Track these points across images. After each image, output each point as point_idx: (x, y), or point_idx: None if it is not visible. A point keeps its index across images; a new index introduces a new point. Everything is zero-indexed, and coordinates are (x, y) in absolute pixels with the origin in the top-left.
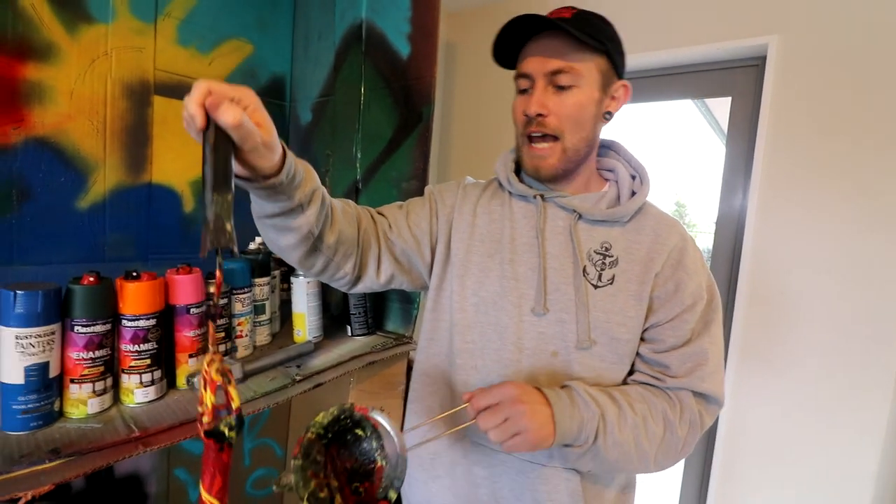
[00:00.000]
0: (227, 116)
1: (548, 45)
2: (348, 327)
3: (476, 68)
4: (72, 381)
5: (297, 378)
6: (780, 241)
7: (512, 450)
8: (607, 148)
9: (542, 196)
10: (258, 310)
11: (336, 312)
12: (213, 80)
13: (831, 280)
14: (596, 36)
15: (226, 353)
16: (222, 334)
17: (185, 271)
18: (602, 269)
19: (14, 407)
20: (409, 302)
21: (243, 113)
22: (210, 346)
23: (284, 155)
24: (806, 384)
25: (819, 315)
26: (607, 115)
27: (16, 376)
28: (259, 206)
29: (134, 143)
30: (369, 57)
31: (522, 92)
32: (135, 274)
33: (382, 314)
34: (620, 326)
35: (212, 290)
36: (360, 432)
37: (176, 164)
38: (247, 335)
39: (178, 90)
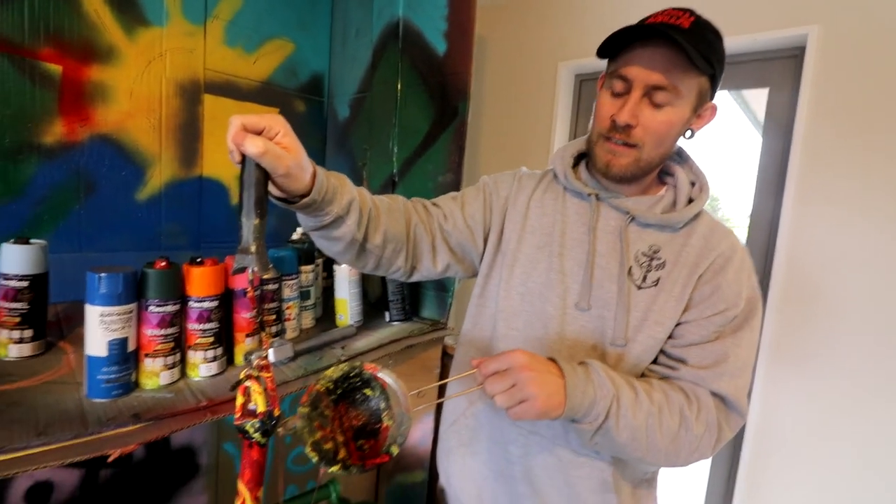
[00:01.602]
0: (251, 148)
1: (656, 56)
2: (386, 313)
3: (506, 63)
4: (146, 355)
5: (343, 358)
6: (816, 237)
7: (518, 416)
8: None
9: (597, 195)
10: (304, 295)
11: (373, 300)
12: (244, 115)
13: (869, 278)
14: (708, 56)
15: (276, 335)
16: (268, 334)
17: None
18: (647, 271)
19: (98, 377)
20: (443, 290)
21: (266, 142)
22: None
23: (315, 176)
24: (839, 385)
25: (855, 314)
26: (688, 133)
27: (100, 349)
28: (303, 221)
29: (186, 139)
30: (406, 54)
31: (615, 94)
32: (199, 260)
33: (418, 301)
34: (657, 326)
35: (267, 276)
36: (368, 392)
37: (224, 158)
38: (294, 318)
39: (226, 89)
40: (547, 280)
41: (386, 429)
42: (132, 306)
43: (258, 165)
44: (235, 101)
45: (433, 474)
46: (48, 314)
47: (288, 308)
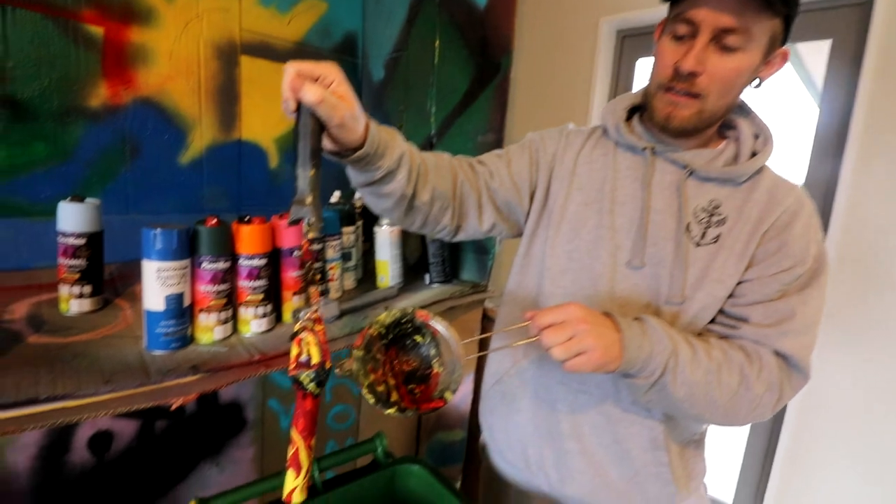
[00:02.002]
0: (309, 96)
1: None
2: (426, 276)
3: (544, 18)
4: (200, 310)
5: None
6: (877, 203)
7: (574, 369)
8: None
9: (652, 149)
10: (345, 257)
11: (412, 262)
12: (300, 62)
13: None
14: None
15: (321, 294)
16: (318, 289)
17: (286, 216)
18: (707, 228)
19: (157, 331)
20: (483, 252)
21: (324, 90)
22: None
23: (368, 128)
24: (893, 354)
25: None
26: (756, 82)
27: (158, 304)
28: (353, 176)
29: (225, 102)
30: (444, 8)
31: (677, 38)
32: (247, 218)
33: (458, 264)
34: (717, 284)
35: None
36: (419, 338)
37: (262, 122)
38: (337, 279)
39: (262, 50)
40: (596, 237)
41: (436, 375)
42: (186, 262)
43: (313, 115)
44: (271, 62)
45: (472, 433)
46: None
47: (331, 269)
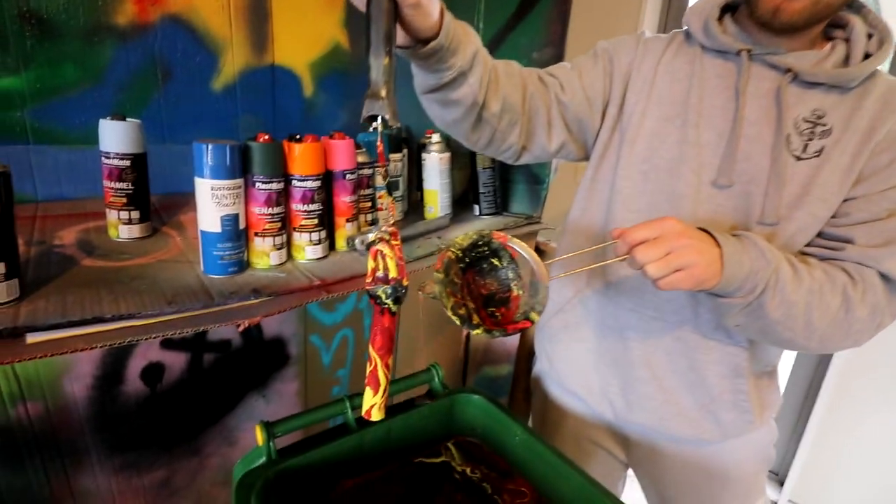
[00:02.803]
0: None
1: None
2: (476, 207)
3: None
4: (256, 234)
5: (442, 247)
6: None
7: (670, 287)
8: None
9: (748, 52)
10: (392, 186)
11: (457, 195)
12: None
13: None
14: None
15: (370, 224)
16: (384, 200)
17: (340, 137)
18: (809, 140)
19: (214, 253)
20: (537, 182)
21: None
22: (382, 215)
23: (443, 16)
24: None
25: None
26: None
27: (214, 225)
28: (422, 79)
29: (255, 20)
30: None
31: None
32: (298, 137)
33: (509, 195)
34: (820, 203)
35: (361, 159)
36: (496, 262)
37: (295, 44)
38: (386, 208)
39: None
40: (678, 154)
41: (516, 298)
42: (240, 181)
43: None
44: None
45: (519, 367)
46: None
47: (380, 197)
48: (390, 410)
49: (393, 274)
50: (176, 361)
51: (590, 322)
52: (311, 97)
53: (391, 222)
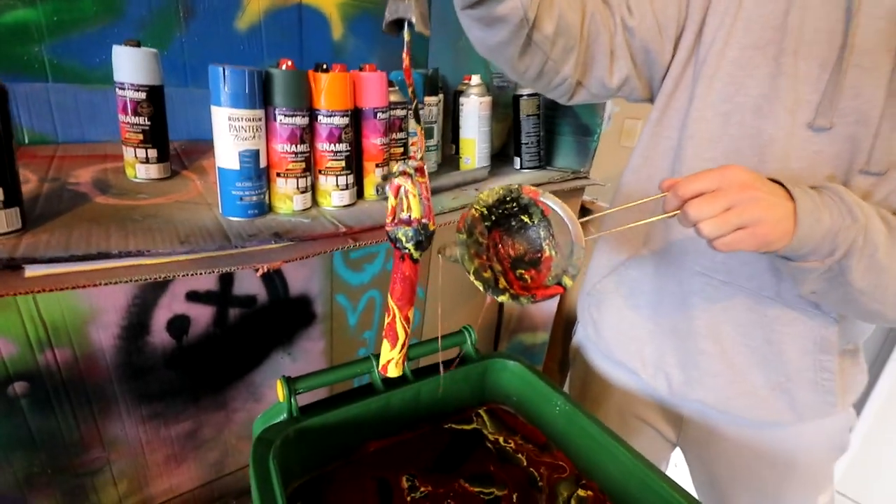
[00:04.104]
0: None
1: None
2: (517, 159)
3: None
4: (278, 174)
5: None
6: None
7: (728, 248)
8: None
9: None
10: (427, 133)
11: (496, 149)
12: None
13: None
14: None
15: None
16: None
17: (371, 69)
18: None
19: (233, 193)
20: (585, 134)
21: None
22: (412, 147)
23: None
24: None
25: None
26: None
27: (231, 161)
28: None
29: None
30: None
31: None
32: (324, 67)
33: (553, 148)
34: None
35: (394, 98)
36: (526, 219)
37: None
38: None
39: None
40: (769, 90)
41: (548, 259)
42: (260, 113)
43: None
44: None
45: (555, 335)
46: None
47: (412, 144)
48: (419, 373)
49: (416, 214)
50: (201, 315)
51: (646, 286)
52: (340, 40)
53: (418, 156)
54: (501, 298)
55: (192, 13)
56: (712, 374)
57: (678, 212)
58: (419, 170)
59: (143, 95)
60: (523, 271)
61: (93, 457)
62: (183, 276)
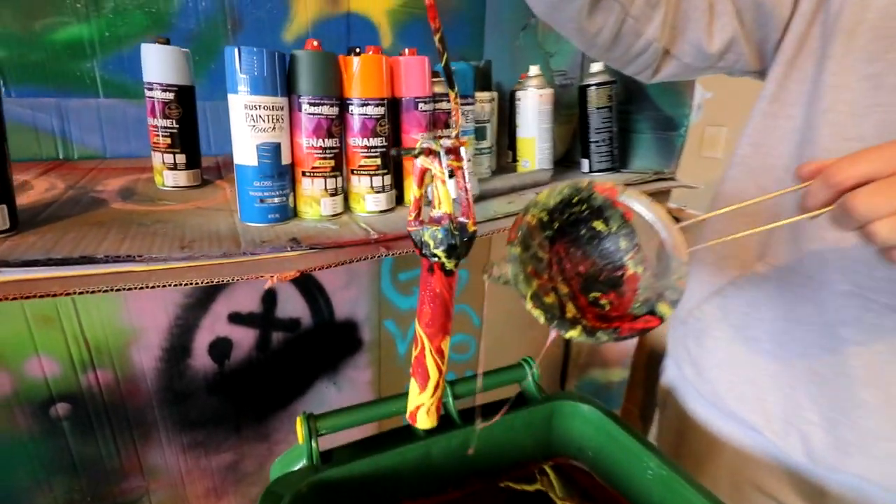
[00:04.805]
0: None
1: None
2: (584, 162)
3: None
4: (304, 174)
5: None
6: None
7: None
8: None
9: None
10: (479, 133)
11: (558, 155)
12: None
13: None
14: None
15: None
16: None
17: (412, 53)
18: None
19: (251, 194)
20: (669, 128)
21: None
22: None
23: None
24: None
25: None
26: None
27: (249, 157)
28: None
29: None
30: None
31: None
32: (357, 51)
33: (629, 148)
34: None
35: (438, 90)
36: (600, 226)
37: None
38: (470, 160)
39: None
40: None
41: (633, 278)
42: (282, 101)
43: None
44: None
45: (635, 374)
46: (206, 162)
47: (462, 143)
48: (467, 414)
49: (446, 208)
50: (244, 338)
51: (766, 313)
52: (390, 48)
53: (453, 133)
54: (571, 334)
55: (239, 26)
56: (876, 437)
57: (830, 208)
58: (453, 150)
59: (171, 96)
60: (599, 295)
61: (132, 485)
62: (175, 285)
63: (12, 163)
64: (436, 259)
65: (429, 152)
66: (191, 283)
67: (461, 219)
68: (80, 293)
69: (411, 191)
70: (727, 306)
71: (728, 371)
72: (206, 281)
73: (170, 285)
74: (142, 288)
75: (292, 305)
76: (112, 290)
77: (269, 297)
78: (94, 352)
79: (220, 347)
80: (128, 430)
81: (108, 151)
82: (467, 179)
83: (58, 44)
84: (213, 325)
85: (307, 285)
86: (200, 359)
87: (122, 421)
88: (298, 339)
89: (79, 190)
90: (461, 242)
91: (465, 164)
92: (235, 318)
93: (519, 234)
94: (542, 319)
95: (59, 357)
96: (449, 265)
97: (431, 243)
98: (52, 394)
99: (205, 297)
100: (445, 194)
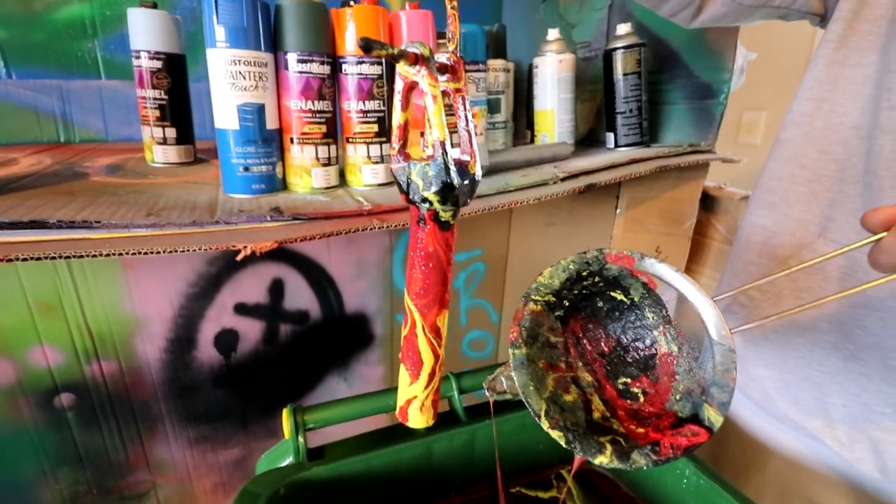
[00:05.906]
0: None
1: None
2: (609, 136)
3: None
4: (292, 140)
5: (561, 175)
6: None
7: None
8: None
9: None
10: (492, 106)
11: (581, 134)
12: None
13: None
14: None
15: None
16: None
17: (414, 7)
18: None
19: (233, 161)
20: (706, 96)
21: None
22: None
23: None
24: None
25: None
26: None
27: (230, 119)
28: None
29: None
30: None
31: None
32: (351, 2)
33: (659, 120)
34: None
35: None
36: (619, 296)
37: None
38: (481, 133)
39: None
40: None
41: (667, 359)
42: (266, 57)
43: None
44: None
45: None
46: (206, 145)
47: (473, 115)
48: (473, 411)
49: (440, 136)
50: (250, 330)
51: (825, 318)
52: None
53: (451, 46)
54: (600, 460)
55: None
56: None
57: None
58: (450, 69)
59: (158, 64)
60: (630, 381)
61: (139, 479)
62: (132, 253)
63: (12, 146)
64: (427, 206)
65: (415, 59)
66: (152, 252)
67: (461, 156)
68: (24, 259)
69: (394, 115)
70: (779, 291)
71: (780, 368)
72: (168, 250)
73: (127, 253)
74: (95, 255)
75: (300, 297)
76: (61, 257)
77: (277, 288)
78: (97, 341)
79: (227, 339)
80: (133, 423)
81: (110, 134)
82: (468, 108)
83: (59, 23)
84: (219, 316)
85: (316, 276)
86: (206, 350)
87: (128, 413)
88: (307, 332)
89: (65, 166)
90: (464, 186)
91: (464, 86)
92: (242, 310)
93: (522, 331)
94: (563, 442)
95: (62, 346)
96: (444, 214)
97: (420, 183)
98: (56, 383)
99: (210, 287)
100: (438, 115)
